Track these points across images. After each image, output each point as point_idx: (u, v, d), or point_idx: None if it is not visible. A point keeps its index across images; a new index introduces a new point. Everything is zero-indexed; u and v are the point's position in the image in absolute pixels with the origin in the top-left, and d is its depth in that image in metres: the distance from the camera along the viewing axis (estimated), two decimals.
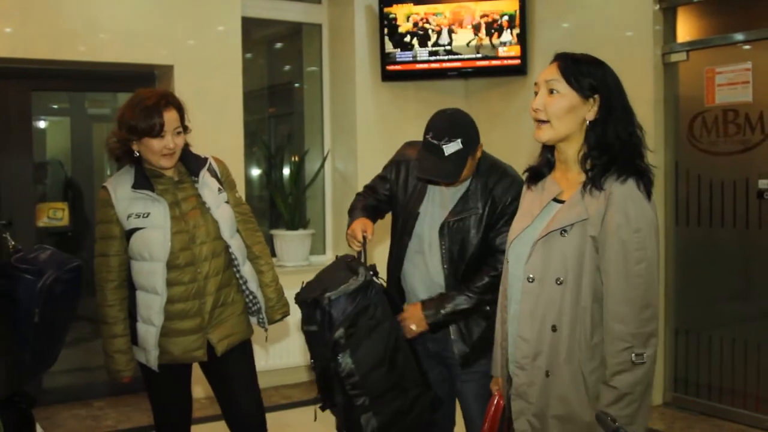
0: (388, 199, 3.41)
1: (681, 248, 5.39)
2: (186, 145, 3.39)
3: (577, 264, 2.35)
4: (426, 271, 3.23)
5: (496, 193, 3.13)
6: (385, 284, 3.18)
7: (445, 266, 3.16)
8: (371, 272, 3.06)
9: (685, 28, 5.28)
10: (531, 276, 2.44)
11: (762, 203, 4.91)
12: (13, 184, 5.56)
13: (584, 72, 2.40)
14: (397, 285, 3.32)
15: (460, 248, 3.14)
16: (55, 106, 6.58)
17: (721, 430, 5.01)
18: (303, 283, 3.16)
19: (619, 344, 2.27)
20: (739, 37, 4.97)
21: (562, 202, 2.47)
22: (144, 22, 5.51)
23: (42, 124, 6.34)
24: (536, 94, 2.47)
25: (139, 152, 3.28)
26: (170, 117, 3.22)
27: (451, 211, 3.17)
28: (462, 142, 2.99)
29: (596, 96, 2.38)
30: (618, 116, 2.38)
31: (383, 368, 2.97)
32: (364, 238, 3.15)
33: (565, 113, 2.40)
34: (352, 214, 3.37)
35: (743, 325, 5.11)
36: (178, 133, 3.27)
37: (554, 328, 2.38)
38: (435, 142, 3.01)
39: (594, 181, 2.36)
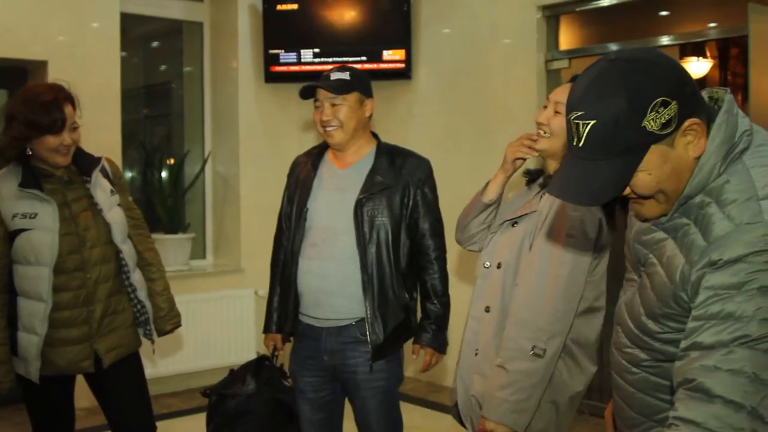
0: None
1: None
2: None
3: (516, 249, 2.45)
4: (324, 263, 3.12)
5: (407, 170, 3.16)
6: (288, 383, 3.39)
7: (359, 249, 3.08)
8: (260, 384, 3.32)
9: (567, 37, 5.43)
10: (487, 263, 2.56)
11: None
12: None
13: None
14: (295, 286, 3.21)
15: (371, 228, 3.08)
16: None
17: None
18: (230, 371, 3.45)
19: (523, 331, 2.32)
20: (615, 47, 5.12)
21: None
22: (16, 16, 5.24)
23: None
24: (545, 107, 2.50)
25: (31, 150, 3.11)
26: (68, 112, 3.10)
27: (362, 188, 3.12)
28: (349, 75, 3.12)
29: None
30: None
31: None
32: (275, 348, 3.37)
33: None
34: (270, 309, 3.38)
35: None
36: (74, 128, 3.14)
37: (487, 309, 2.50)
38: (325, 73, 3.17)
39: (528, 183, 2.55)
